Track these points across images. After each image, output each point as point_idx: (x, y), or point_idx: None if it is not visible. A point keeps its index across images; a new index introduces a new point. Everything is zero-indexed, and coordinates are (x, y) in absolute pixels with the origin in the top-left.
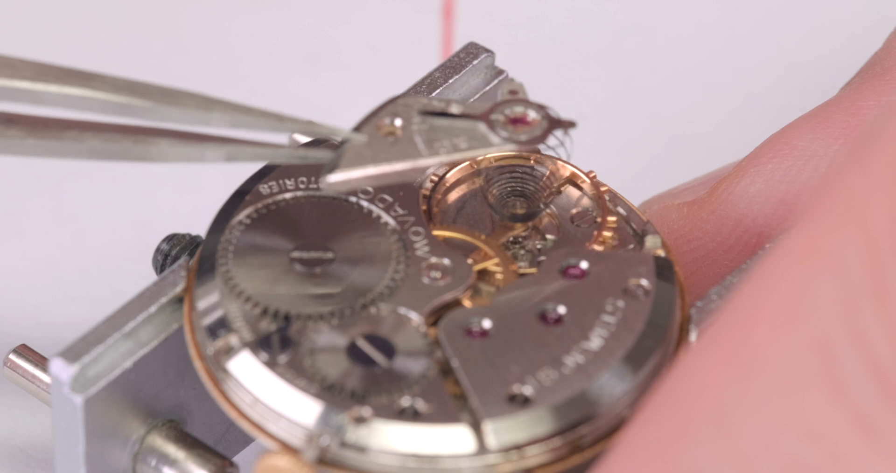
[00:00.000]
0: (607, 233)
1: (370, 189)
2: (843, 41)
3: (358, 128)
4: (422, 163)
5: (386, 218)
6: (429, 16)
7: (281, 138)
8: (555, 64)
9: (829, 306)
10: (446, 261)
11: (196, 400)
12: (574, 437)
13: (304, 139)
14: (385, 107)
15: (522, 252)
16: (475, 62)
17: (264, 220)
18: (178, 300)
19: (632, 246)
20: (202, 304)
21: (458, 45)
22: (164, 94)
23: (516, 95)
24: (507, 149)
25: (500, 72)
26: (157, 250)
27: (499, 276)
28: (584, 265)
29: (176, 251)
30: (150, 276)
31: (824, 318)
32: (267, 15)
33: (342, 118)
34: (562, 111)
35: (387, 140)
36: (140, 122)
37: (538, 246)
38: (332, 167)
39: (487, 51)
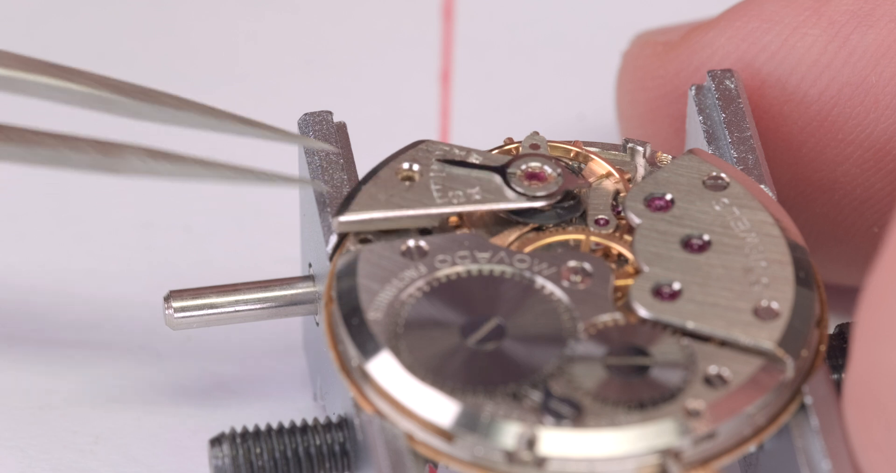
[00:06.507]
0: (627, 177)
1: (447, 257)
2: None
3: (378, 169)
4: (432, 211)
5: (501, 263)
6: (429, 16)
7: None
8: (555, 64)
9: None
10: (580, 263)
11: None
12: (821, 314)
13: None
14: (406, 151)
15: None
16: (332, 127)
17: (408, 324)
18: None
19: (642, 167)
20: (464, 443)
21: (458, 44)
22: (142, 92)
23: (538, 150)
24: (520, 205)
25: (343, 124)
26: (216, 457)
27: (592, 247)
28: (667, 196)
29: (242, 451)
30: (151, 278)
31: None
32: (266, 15)
33: (342, 117)
34: (561, 111)
35: (403, 184)
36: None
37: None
38: (344, 209)
39: (326, 112)
